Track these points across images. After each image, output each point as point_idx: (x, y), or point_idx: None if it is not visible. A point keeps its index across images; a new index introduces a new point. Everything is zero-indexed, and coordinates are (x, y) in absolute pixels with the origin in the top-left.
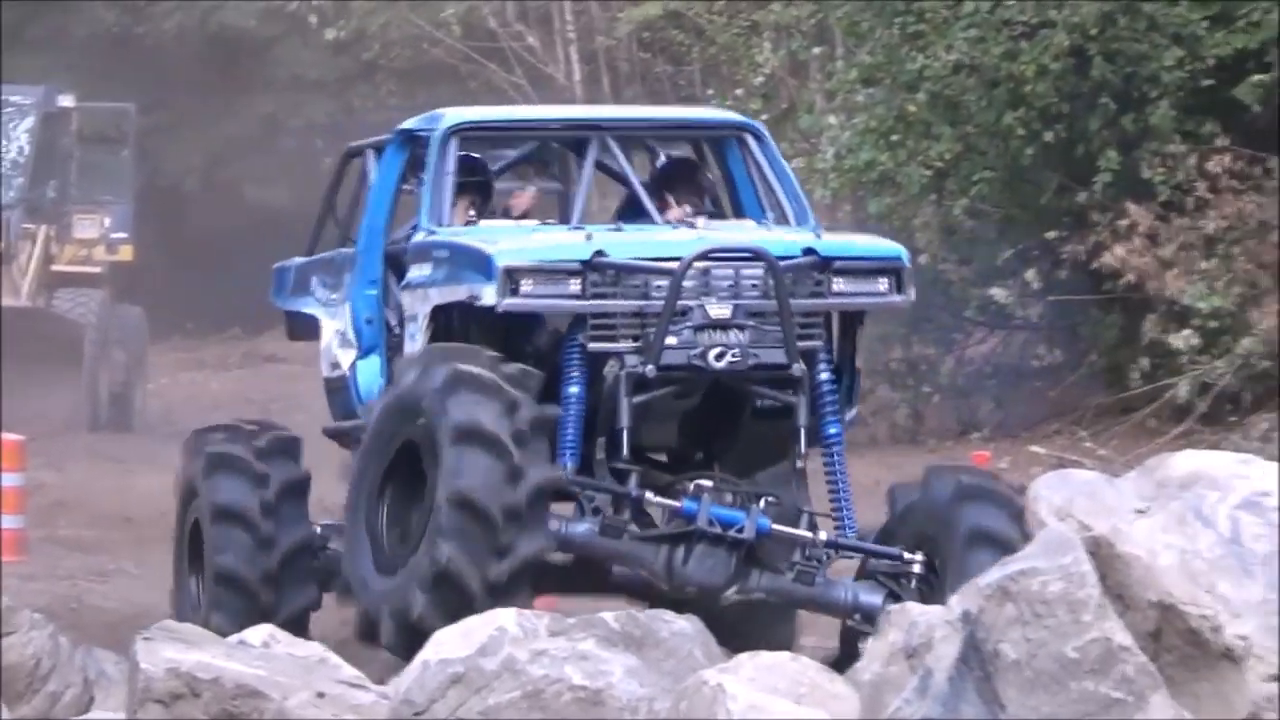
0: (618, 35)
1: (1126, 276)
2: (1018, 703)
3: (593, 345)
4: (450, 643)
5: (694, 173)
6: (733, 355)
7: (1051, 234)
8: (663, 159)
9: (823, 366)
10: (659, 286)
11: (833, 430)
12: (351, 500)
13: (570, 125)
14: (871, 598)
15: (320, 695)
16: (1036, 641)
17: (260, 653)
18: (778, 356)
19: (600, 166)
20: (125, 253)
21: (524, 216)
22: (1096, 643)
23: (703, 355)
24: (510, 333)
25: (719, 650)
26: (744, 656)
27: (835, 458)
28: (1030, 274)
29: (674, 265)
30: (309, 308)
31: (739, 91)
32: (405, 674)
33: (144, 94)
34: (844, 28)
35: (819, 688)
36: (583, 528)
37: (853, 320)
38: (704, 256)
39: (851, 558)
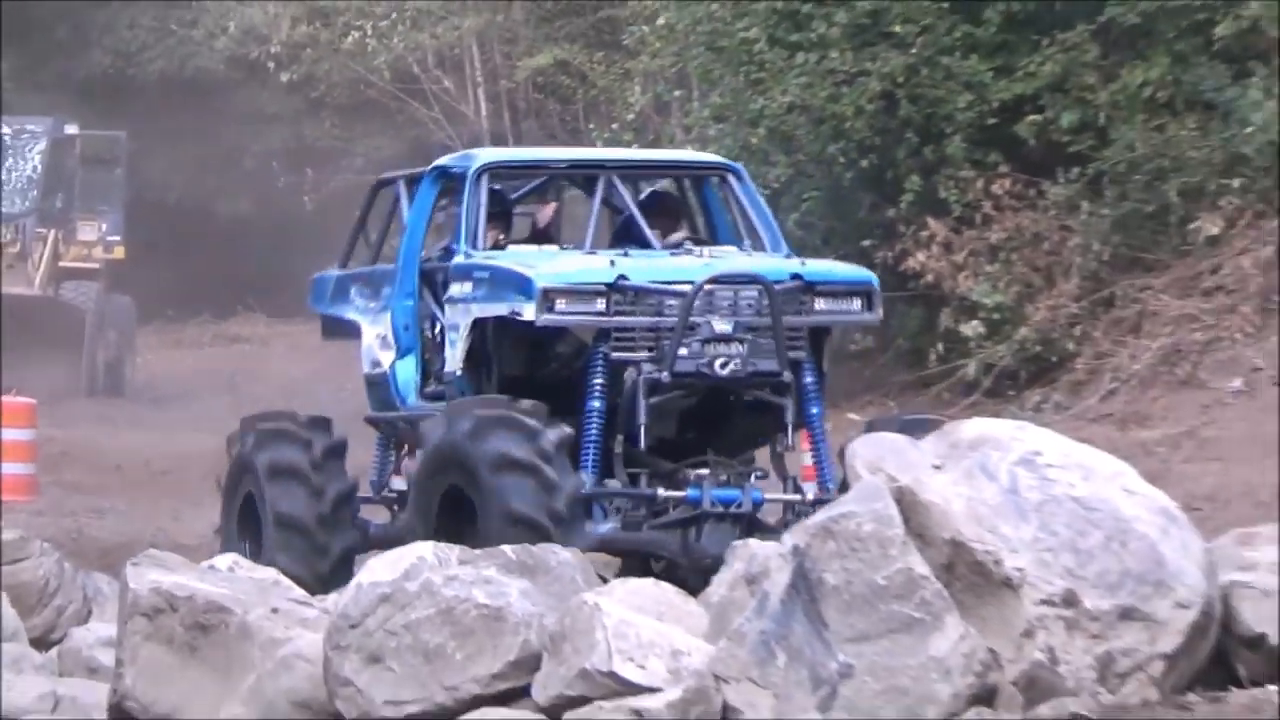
0: (517, 79)
1: (926, 277)
2: (837, 620)
3: (615, 355)
4: (379, 569)
5: (674, 203)
6: (734, 365)
7: (866, 243)
8: (645, 192)
9: (807, 369)
10: (671, 305)
11: (815, 411)
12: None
13: (581, 165)
14: None
15: (274, 610)
16: (853, 571)
17: (226, 576)
18: (771, 365)
19: (604, 199)
20: (118, 252)
21: (547, 227)
22: (901, 572)
23: (709, 364)
24: (537, 343)
25: (596, 577)
26: (616, 582)
27: (816, 434)
28: None
29: (686, 288)
30: (350, 314)
31: (615, 126)
32: (343, 593)
33: (133, 124)
34: (699, 75)
35: (676, 607)
36: (607, 527)
37: (825, 332)
38: (712, 281)
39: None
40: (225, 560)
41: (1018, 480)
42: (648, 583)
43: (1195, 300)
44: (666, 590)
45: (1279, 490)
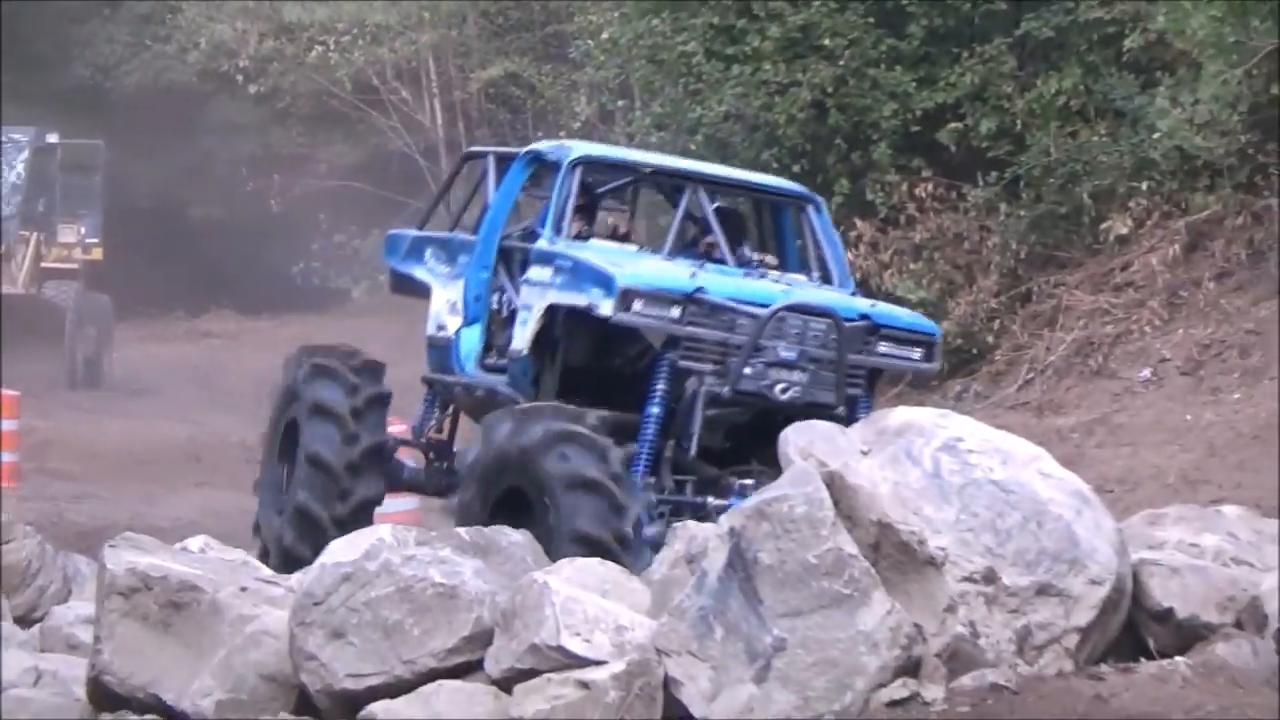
0: (470, 90)
1: (855, 275)
2: (772, 597)
3: (681, 363)
4: (341, 550)
5: (741, 221)
6: (794, 391)
7: (799, 242)
8: (714, 206)
9: (861, 406)
10: (742, 325)
11: None
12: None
13: (670, 173)
14: None
15: (243, 589)
16: (786, 550)
17: (198, 556)
18: (829, 398)
19: (686, 211)
20: (96, 254)
21: (628, 232)
22: (831, 552)
23: (770, 386)
24: (606, 338)
25: (545, 558)
26: (563, 561)
27: None
28: None
29: (759, 310)
30: (421, 274)
31: (561, 134)
32: (307, 573)
33: (111, 133)
34: (641, 86)
35: (620, 585)
36: (653, 530)
37: (878, 372)
38: (786, 309)
39: None
40: (197, 542)
41: (940, 465)
42: (593, 562)
43: (1106, 295)
44: (611, 569)
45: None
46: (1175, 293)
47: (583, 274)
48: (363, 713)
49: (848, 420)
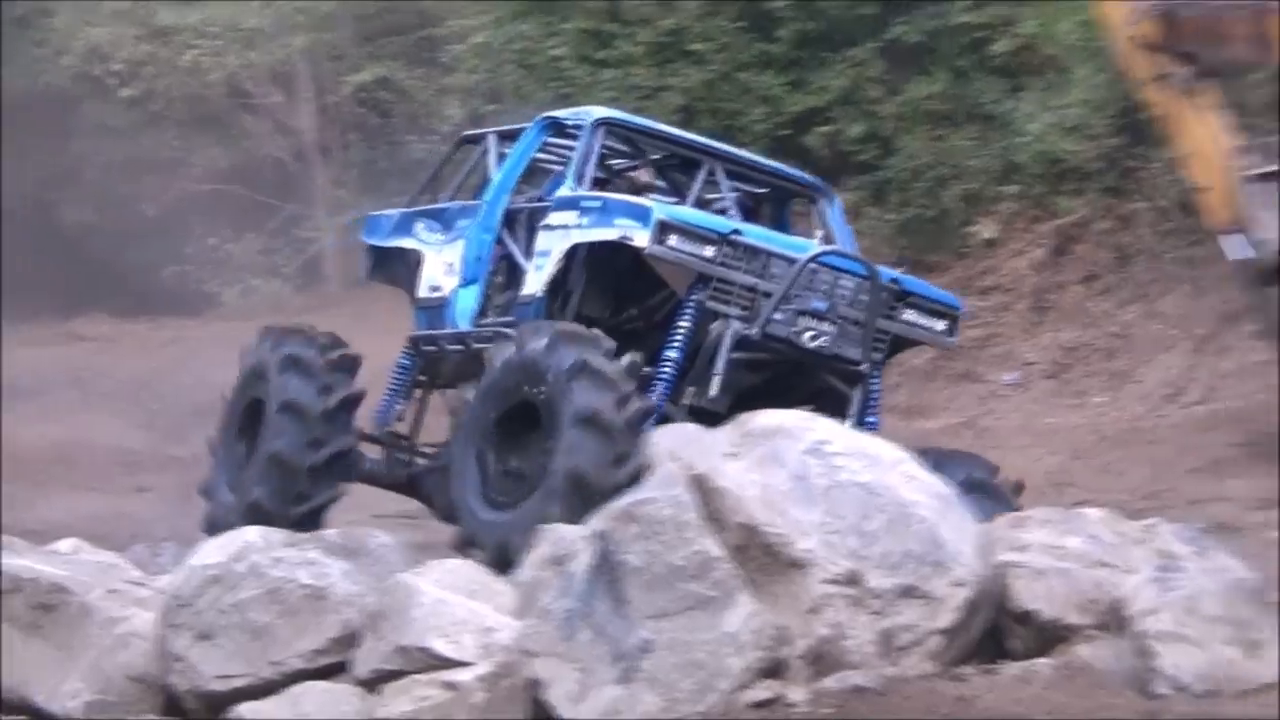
0: (342, 94)
1: None
2: (638, 598)
3: (711, 304)
4: (209, 552)
5: (753, 205)
6: (823, 340)
7: None
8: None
9: (877, 373)
10: (775, 273)
11: (871, 420)
12: (463, 434)
13: (690, 145)
14: None
15: (112, 591)
16: (652, 553)
17: (68, 558)
18: (855, 353)
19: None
20: None
21: (645, 187)
22: (697, 554)
23: (799, 333)
24: (625, 280)
25: (414, 559)
26: (432, 563)
27: (870, 425)
28: None
29: (796, 255)
30: (410, 244)
31: (433, 137)
32: (175, 574)
33: None
34: (512, 90)
35: (487, 586)
36: None
37: (896, 349)
38: (825, 254)
39: None
40: (68, 545)
41: (807, 467)
42: (461, 563)
43: (973, 299)
44: (478, 570)
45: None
46: (1042, 296)
47: (615, 209)
48: (229, 714)
49: (865, 387)
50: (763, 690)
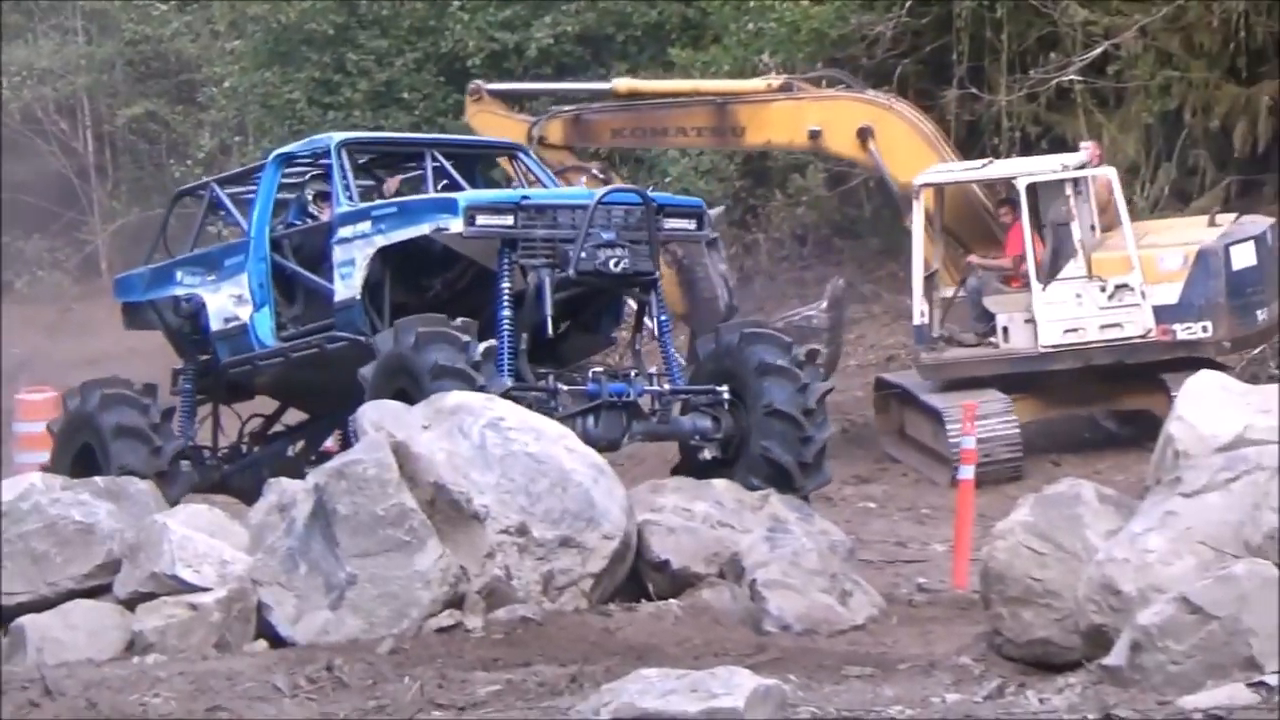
0: (117, 124)
1: None
2: (346, 541)
3: (522, 260)
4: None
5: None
6: (624, 264)
7: None
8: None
9: (659, 276)
10: (561, 222)
11: (664, 318)
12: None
13: (413, 142)
14: (704, 422)
15: None
16: (359, 504)
17: None
18: (648, 266)
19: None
20: None
21: (398, 191)
22: (395, 506)
23: (605, 263)
24: (432, 265)
25: (165, 503)
26: (180, 507)
27: (665, 336)
28: None
29: (585, 202)
30: (179, 291)
31: (189, 163)
32: None
33: None
34: (254, 126)
35: (225, 527)
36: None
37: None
38: (609, 194)
39: (684, 398)
40: None
41: (486, 439)
42: (203, 508)
43: None
44: (218, 514)
45: None
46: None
47: (417, 208)
48: (13, 624)
49: (655, 292)
50: (446, 619)
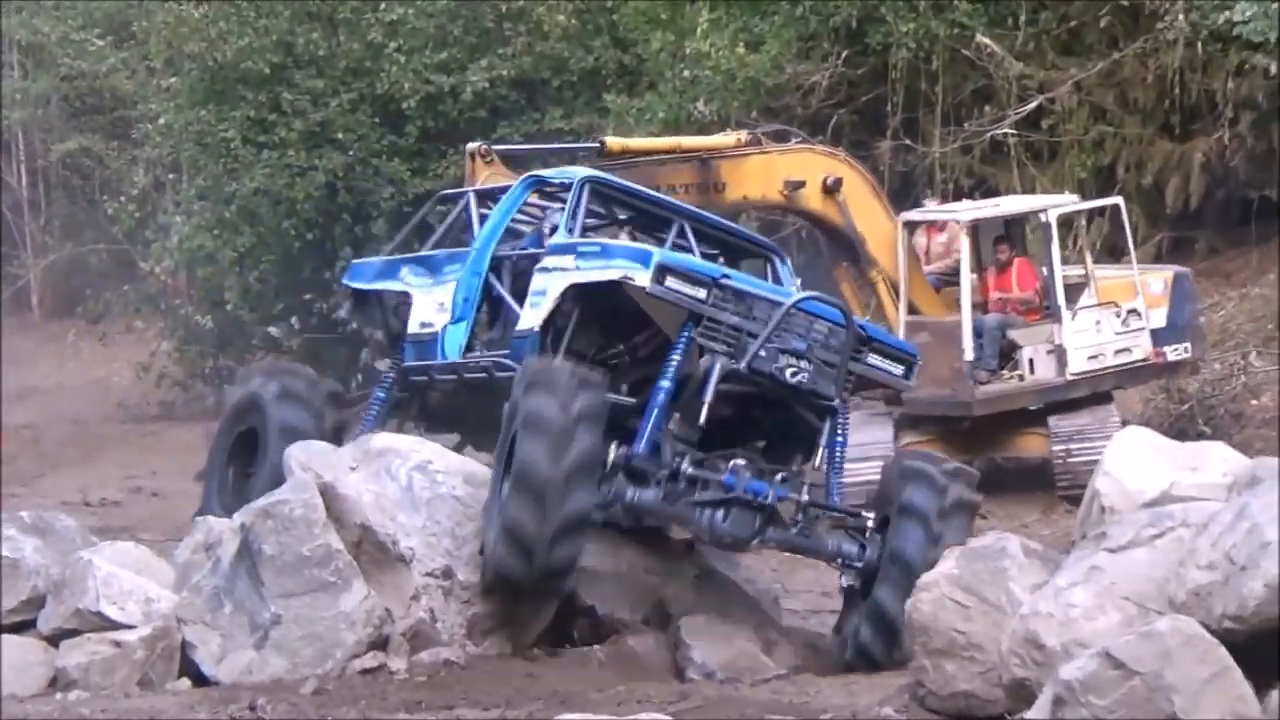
0: (51, 158)
1: (351, 325)
2: (272, 581)
3: (700, 340)
4: None
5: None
6: (802, 377)
7: (307, 296)
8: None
9: (844, 408)
10: (757, 315)
11: (839, 454)
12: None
13: (663, 206)
14: (849, 546)
15: None
16: (286, 544)
17: None
18: (829, 390)
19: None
20: None
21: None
22: (321, 546)
23: (781, 370)
24: (616, 319)
25: (92, 539)
26: (105, 544)
27: (834, 468)
28: (294, 320)
29: (780, 299)
30: (397, 286)
31: (122, 199)
32: None
33: None
34: (188, 163)
35: (150, 564)
36: (650, 494)
37: (860, 384)
38: (805, 299)
39: (833, 516)
40: None
41: (413, 481)
42: (129, 545)
43: None
44: (144, 551)
45: None
46: None
47: (615, 252)
48: None
49: (831, 420)
50: (370, 660)
